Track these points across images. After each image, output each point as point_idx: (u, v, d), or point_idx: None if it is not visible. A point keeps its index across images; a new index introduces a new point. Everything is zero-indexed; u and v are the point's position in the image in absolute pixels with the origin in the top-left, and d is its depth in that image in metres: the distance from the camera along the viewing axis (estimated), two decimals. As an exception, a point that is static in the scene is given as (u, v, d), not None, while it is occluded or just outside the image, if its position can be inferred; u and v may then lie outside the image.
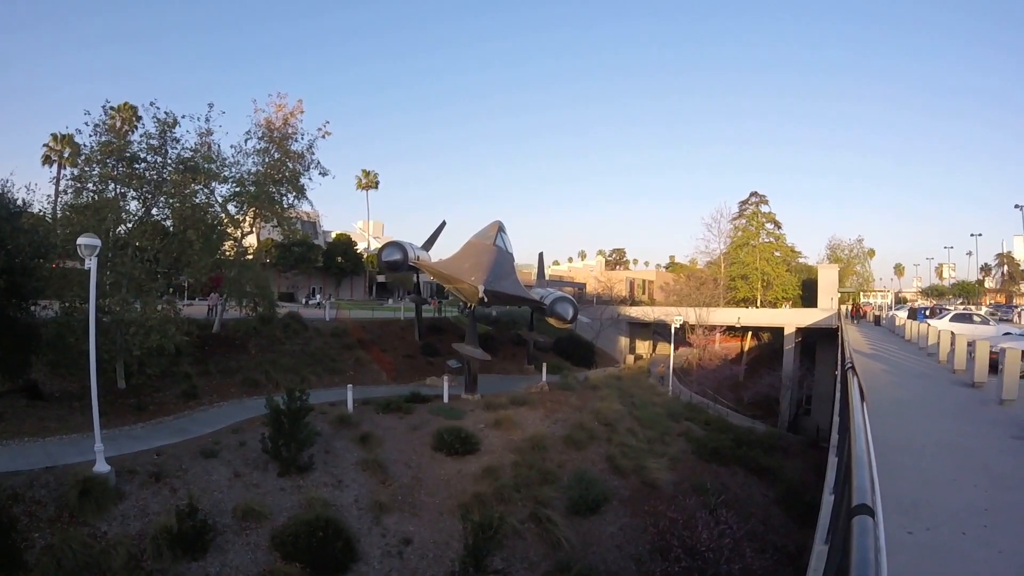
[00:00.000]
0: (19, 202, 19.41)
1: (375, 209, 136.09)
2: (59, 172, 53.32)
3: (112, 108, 49.58)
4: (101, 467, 13.59)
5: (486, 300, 25.05)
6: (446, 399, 24.47)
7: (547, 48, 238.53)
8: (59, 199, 22.81)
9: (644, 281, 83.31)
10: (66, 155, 53.57)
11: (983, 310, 49.48)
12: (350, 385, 22.32)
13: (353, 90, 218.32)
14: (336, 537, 13.39)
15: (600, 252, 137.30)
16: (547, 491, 17.76)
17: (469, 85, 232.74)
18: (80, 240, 13.68)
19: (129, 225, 21.43)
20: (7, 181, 19.07)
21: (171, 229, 22.11)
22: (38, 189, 21.73)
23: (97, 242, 13.92)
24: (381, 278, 76.50)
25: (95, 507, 12.88)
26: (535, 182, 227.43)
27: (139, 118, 46.94)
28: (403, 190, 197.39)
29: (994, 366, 14.68)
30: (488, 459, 19.13)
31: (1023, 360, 13.33)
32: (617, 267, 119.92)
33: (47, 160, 55.13)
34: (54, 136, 54.60)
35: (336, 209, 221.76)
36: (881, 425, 10.88)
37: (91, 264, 13.78)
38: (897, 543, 5.67)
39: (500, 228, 29.29)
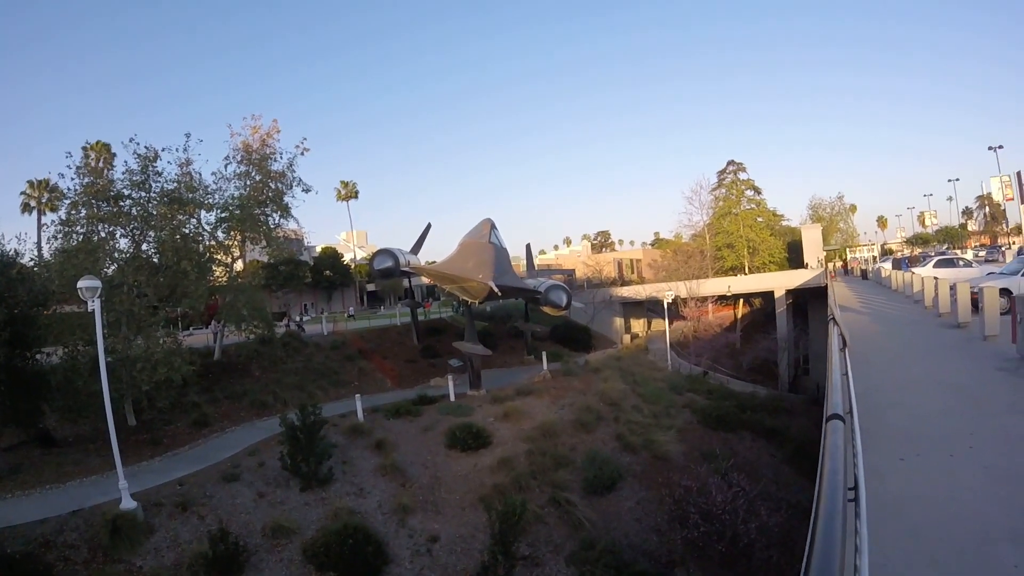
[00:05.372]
0: (12, 253, 19.55)
1: (356, 219, 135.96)
2: (39, 218, 53.20)
3: (85, 147, 49.62)
4: (128, 504, 13.80)
5: (499, 294, 25.77)
6: (452, 398, 24.87)
7: (514, 44, 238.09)
8: (48, 244, 22.84)
9: (632, 260, 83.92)
10: (44, 200, 53.39)
11: (968, 254, 50.66)
12: (358, 395, 22.65)
13: (322, 104, 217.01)
14: (366, 542, 13.77)
15: (585, 237, 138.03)
16: (563, 475, 18.27)
17: (438, 86, 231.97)
18: (81, 283, 13.81)
19: (122, 263, 21.53)
20: None
21: (162, 262, 22.16)
22: (28, 239, 21.85)
23: (98, 283, 14.05)
24: (371, 287, 76.72)
25: (127, 544, 13.15)
26: (513, 175, 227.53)
27: (114, 155, 47.06)
28: (381, 196, 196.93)
29: (977, 306, 15.32)
30: (501, 451, 19.56)
31: (1001, 297, 13.95)
32: (603, 249, 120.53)
33: (26, 208, 54.82)
34: (30, 183, 54.31)
35: (318, 222, 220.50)
36: (874, 371, 11.65)
37: (95, 305, 13.93)
38: (891, 469, 6.40)
39: (492, 226, 29.71)
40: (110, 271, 20.94)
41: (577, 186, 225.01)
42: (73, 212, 21.37)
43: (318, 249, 74.01)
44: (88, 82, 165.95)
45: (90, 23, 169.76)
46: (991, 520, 5.21)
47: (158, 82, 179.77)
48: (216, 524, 13.90)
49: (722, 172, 66.81)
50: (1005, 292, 16.58)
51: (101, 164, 34.30)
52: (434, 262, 39.43)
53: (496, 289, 24.51)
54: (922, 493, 5.90)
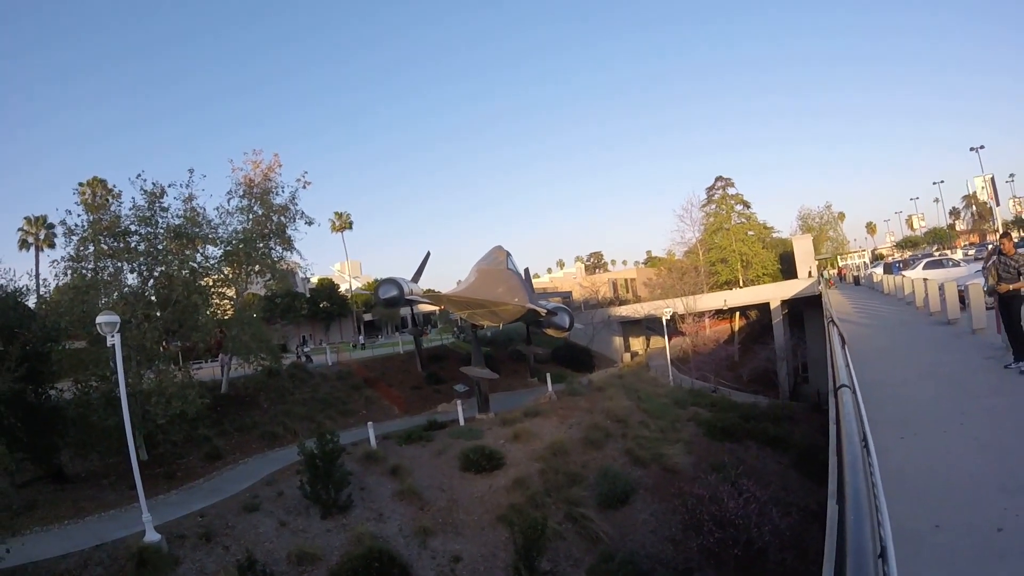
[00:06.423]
0: (24, 289, 19.89)
1: (347, 249, 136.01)
2: (37, 255, 53.43)
3: (81, 183, 50.13)
4: (152, 536, 13.83)
5: (543, 313, 27.35)
6: (462, 422, 25.09)
7: (501, 77, 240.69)
8: (55, 280, 22.90)
9: (626, 280, 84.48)
10: (42, 237, 53.65)
11: (958, 253, 51.84)
12: (370, 423, 22.88)
13: (308, 135, 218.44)
14: (392, 565, 14.00)
15: (578, 258, 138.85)
16: (576, 491, 18.61)
17: (425, 118, 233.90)
18: (100, 319, 14.05)
19: (130, 298, 21.71)
20: (10, 271, 19.59)
21: (171, 296, 22.34)
22: (34, 276, 22.16)
23: (116, 319, 14.20)
24: (368, 316, 76.94)
25: (154, 576, 13.29)
26: (502, 200, 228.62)
27: (110, 191, 47.32)
28: (370, 225, 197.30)
29: (965, 303, 16.06)
30: (515, 471, 19.85)
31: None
32: (597, 270, 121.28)
33: (23, 244, 54.87)
34: (27, 219, 54.49)
35: (311, 253, 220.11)
36: (871, 368, 12.53)
37: (115, 340, 14.16)
38: (893, 447, 7.24)
39: (508, 254, 30.13)
40: (116, 306, 21.12)
41: (567, 209, 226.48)
42: (82, 248, 21.63)
43: (314, 280, 74.25)
44: (79, 113, 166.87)
45: (82, 53, 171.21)
46: (981, 478, 6.04)
47: (149, 121, 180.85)
48: (241, 554, 14.00)
49: (711, 188, 67.82)
50: None
51: (103, 200, 34.56)
52: (432, 290, 39.87)
53: (540, 309, 25.26)
54: (921, 463, 6.70)
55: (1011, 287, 10.21)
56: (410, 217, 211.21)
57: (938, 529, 5.09)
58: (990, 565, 4.46)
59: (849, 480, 3.06)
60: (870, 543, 2.36)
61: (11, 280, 19.57)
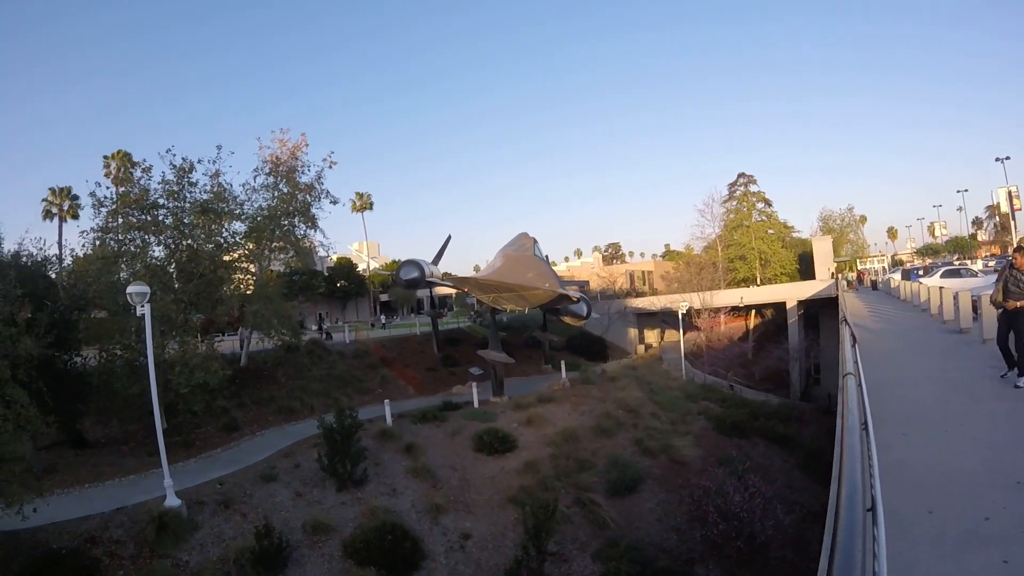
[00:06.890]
0: (53, 258, 20.37)
1: (366, 228, 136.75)
2: (60, 225, 54.12)
3: (106, 156, 50.69)
4: (172, 501, 14.32)
5: (575, 299, 28.22)
6: (476, 404, 25.48)
7: (527, 67, 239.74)
8: (82, 250, 23.31)
9: (644, 272, 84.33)
10: (66, 208, 54.34)
11: (978, 263, 51.36)
12: (387, 401, 23.29)
13: (333, 112, 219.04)
14: (404, 539, 14.43)
15: (596, 248, 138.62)
16: (586, 477, 18.89)
17: (448, 102, 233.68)
18: (131, 289, 14.51)
19: (157, 270, 22.09)
20: (40, 239, 20.07)
21: (196, 270, 22.74)
22: (66, 244, 22.55)
23: (147, 289, 14.62)
24: (384, 297, 77.61)
25: (173, 539, 13.66)
26: (521, 188, 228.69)
27: (135, 164, 47.73)
28: (392, 205, 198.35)
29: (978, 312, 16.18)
30: (526, 454, 20.22)
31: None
32: (614, 261, 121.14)
33: (47, 215, 55.20)
34: (52, 190, 54.90)
35: (330, 232, 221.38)
36: (883, 369, 13.04)
37: (145, 310, 14.59)
38: (894, 443, 7.71)
39: (535, 241, 30.34)
40: (142, 277, 21.50)
41: (588, 199, 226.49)
42: (111, 220, 22.02)
43: (333, 259, 74.88)
44: (103, 91, 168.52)
45: (106, 27, 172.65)
46: (975, 474, 6.54)
47: (177, 97, 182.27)
48: (258, 521, 14.43)
49: (733, 184, 67.37)
50: None
51: (133, 174, 35.02)
52: (449, 273, 40.26)
53: (573, 296, 25.51)
54: (922, 458, 7.15)
55: (1019, 304, 10.23)
56: (430, 201, 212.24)
57: (930, 515, 5.55)
58: (975, 546, 4.95)
59: (846, 444, 3.32)
60: (861, 500, 2.62)
61: (41, 249, 20.10)
